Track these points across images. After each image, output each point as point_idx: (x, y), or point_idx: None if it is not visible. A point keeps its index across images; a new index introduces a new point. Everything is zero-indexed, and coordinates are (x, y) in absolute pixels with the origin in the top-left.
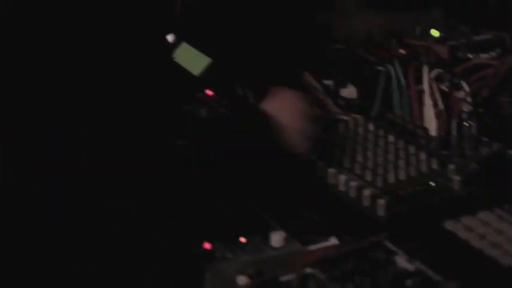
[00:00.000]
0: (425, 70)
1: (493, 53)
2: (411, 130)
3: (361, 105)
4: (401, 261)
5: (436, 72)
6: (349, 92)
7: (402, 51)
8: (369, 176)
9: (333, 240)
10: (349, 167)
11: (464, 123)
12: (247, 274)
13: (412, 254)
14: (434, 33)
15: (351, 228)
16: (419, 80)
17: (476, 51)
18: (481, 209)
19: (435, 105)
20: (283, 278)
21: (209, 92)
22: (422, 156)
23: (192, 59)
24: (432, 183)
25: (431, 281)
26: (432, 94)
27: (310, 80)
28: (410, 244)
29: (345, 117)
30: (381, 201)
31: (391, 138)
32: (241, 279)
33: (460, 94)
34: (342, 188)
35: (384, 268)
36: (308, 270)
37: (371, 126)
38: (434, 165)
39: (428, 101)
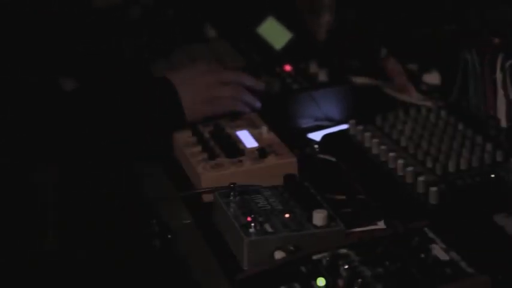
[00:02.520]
0: (499, 60)
1: None
2: (482, 120)
3: (442, 91)
4: (437, 250)
5: (510, 62)
6: (433, 77)
7: (497, 40)
8: (429, 163)
9: (381, 224)
10: (412, 153)
11: None
12: (285, 249)
13: (452, 244)
14: None
15: (404, 213)
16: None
17: None
18: None
19: (506, 95)
20: (316, 256)
21: (287, 68)
22: (488, 147)
23: (276, 34)
24: (493, 176)
25: (462, 272)
26: (504, 84)
27: (394, 64)
28: (454, 234)
29: (423, 103)
30: (434, 189)
31: (460, 126)
32: (279, 254)
33: None
34: (400, 172)
35: (417, 255)
36: (342, 251)
37: (443, 114)
38: (499, 157)
39: (500, 92)
